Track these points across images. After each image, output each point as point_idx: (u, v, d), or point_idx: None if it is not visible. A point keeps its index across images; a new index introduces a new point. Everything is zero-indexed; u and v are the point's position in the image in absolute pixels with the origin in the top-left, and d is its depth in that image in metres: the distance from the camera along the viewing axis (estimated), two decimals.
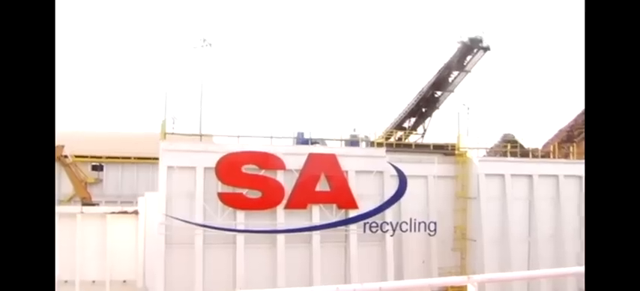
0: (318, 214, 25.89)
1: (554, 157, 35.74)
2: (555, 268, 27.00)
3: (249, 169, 25.06)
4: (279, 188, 25.30)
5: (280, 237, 25.36)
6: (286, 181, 25.43)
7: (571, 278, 30.32)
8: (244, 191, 24.99)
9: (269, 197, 25.24)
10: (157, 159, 25.62)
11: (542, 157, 38.01)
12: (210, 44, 30.25)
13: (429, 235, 28.73)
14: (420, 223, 28.48)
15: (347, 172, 26.25)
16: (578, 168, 32.66)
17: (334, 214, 26.19)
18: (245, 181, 24.99)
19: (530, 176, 30.75)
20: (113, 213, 29.70)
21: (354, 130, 30.71)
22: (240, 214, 24.97)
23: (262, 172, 25.28)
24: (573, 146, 41.49)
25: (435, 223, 28.74)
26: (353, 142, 29.77)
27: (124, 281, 28.77)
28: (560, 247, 30.71)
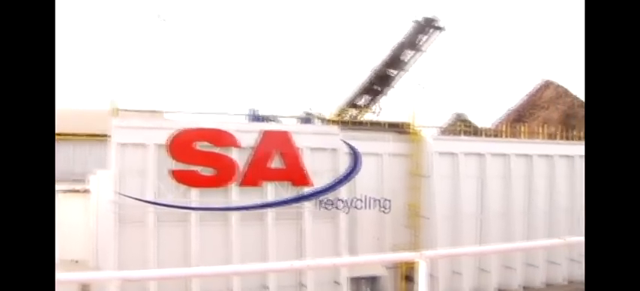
0: (272, 191, 25.91)
1: (505, 137, 36.45)
2: (503, 243, 27.55)
3: (202, 146, 24.85)
4: (232, 165, 25.20)
5: (234, 214, 25.31)
6: (240, 159, 25.34)
7: (519, 254, 31.17)
8: (197, 168, 24.80)
9: (222, 174, 25.13)
10: (108, 136, 25.18)
11: (494, 136, 38.81)
12: (164, 19, 29.84)
13: (383, 212, 29.04)
14: (373, 201, 28.77)
15: (301, 149, 26.31)
16: (528, 147, 33.48)
17: (288, 192, 26.25)
18: (198, 158, 24.79)
19: (481, 155, 31.33)
20: (63, 191, 29.13)
21: (309, 107, 30.79)
22: (194, 192, 24.80)
23: (216, 149, 25.12)
24: (524, 126, 42.44)
25: (388, 201, 29.05)
26: (307, 120, 29.81)
27: (76, 261, 28.31)
28: (509, 225, 31.46)
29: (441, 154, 30.00)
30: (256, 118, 28.33)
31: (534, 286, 31.72)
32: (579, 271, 33.03)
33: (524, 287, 31.54)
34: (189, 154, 24.60)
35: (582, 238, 11.84)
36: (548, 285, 32.08)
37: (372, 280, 27.48)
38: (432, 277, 27.54)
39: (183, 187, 24.62)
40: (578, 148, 35.21)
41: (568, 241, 8.98)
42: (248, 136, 25.60)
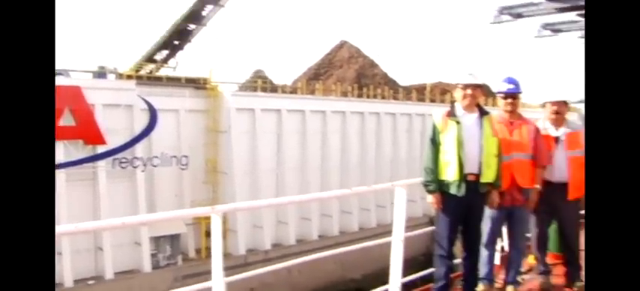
0: (62, 151, 24.46)
1: (301, 93, 37.68)
2: (300, 195, 28.60)
3: None
4: None
5: None
6: None
7: (315, 205, 32.71)
8: None
9: None
10: None
11: (291, 92, 39.97)
12: None
13: (181, 169, 28.76)
14: (171, 158, 28.37)
15: (93, 105, 25.09)
16: (323, 104, 34.96)
17: (80, 151, 24.99)
18: None
19: (279, 111, 32.09)
20: None
21: (103, 61, 29.43)
22: None
23: None
24: (320, 83, 44.18)
25: (186, 157, 28.81)
26: (100, 75, 28.44)
27: None
28: (304, 177, 32.79)
29: (239, 110, 30.25)
30: None
31: (330, 234, 33.49)
32: (368, 219, 35.53)
33: (320, 236, 33.19)
34: None
35: (367, 188, 12.74)
36: (342, 232, 34.04)
37: (173, 238, 27.27)
38: (233, 231, 28.08)
39: None
40: (369, 106, 37.54)
41: (355, 190, 9.66)
42: None
